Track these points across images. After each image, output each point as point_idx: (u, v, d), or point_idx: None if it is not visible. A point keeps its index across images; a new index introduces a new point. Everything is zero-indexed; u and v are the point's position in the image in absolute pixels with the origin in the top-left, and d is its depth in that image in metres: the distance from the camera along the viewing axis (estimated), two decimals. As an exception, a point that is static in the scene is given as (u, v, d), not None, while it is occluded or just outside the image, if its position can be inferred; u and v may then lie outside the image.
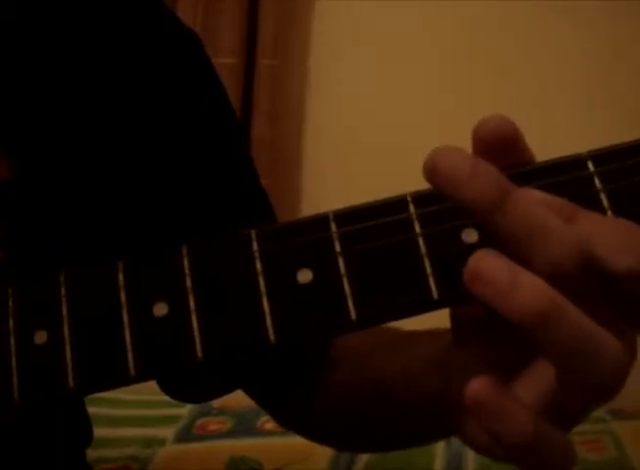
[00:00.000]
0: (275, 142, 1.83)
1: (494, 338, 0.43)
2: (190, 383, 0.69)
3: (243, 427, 1.47)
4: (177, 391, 0.70)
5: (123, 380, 0.42)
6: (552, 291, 0.36)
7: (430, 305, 0.39)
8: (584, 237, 0.37)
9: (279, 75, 1.84)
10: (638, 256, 0.37)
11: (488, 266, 0.36)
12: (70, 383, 0.43)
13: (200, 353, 0.41)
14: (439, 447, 1.37)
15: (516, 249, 0.37)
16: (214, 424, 1.49)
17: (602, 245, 0.37)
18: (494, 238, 0.38)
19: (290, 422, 0.72)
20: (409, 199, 0.40)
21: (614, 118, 1.71)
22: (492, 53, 1.86)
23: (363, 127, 1.89)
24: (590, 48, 1.83)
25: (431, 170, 0.37)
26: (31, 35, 0.61)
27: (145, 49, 0.65)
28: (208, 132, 0.67)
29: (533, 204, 0.37)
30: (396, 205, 0.40)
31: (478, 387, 0.37)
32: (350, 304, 0.40)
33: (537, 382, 0.40)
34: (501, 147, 0.40)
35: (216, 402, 1.54)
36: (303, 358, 0.65)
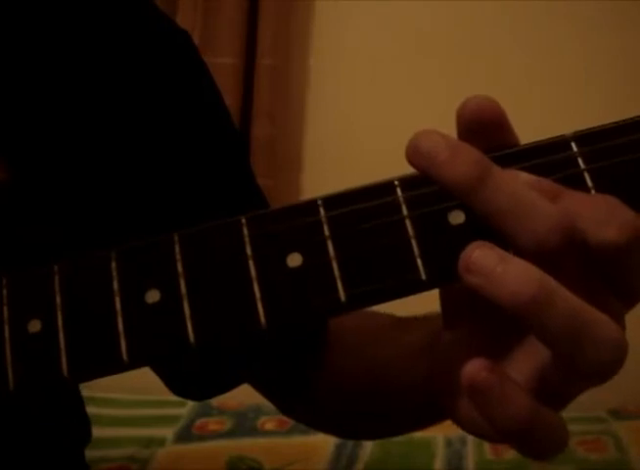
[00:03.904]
0: (275, 142, 1.83)
1: (483, 319, 0.43)
2: (194, 379, 0.69)
3: (243, 427, 1.47)
4: (182, 388, 0.71)
5: (117, 367, 0.43)
6: (542, 275, 0.36)
7: (418, 287, 0.40)
8: (568, 212, 0.37)
9: (279, 75, 1.83)
10: (620, 228, 0.37)
11: (479, 257, 0.37)
12: (65, 371, 0.43)
13: (192, 339, 0.41)
14: (439, 447, 1.37)
15: (500, 227, 0.38)
16: (214, 424, 1.50)
17: (585, 218, 0.37)
18: (479, 218, 0.38)
19: (293, 411, 0.73)
20: (396, 183, 0.41)
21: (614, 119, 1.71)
22: (493, 53, 1.87)
23: (363, 127, 1.89)
24: (590, 48, 1.84)
25: (412, 151, 0.38)
26: (27, 36, 0.62)
27: (138, 48, 0.65)
28: (201, 130, 0.68)
29: (517, 182, 0.38)
30: (384, 188, 0.41)
31: (474, 369, 0.38)
32: (340, 286, 0.40)
33: (528, 362, 0.40)
34: (484, 126, 0.40)
35: (216, 402, 1.54)
36: (300, 346, 0.66)
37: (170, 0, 1.81)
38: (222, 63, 1.76)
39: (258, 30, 1.82)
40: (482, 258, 0.37)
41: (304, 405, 0.69)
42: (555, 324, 0.36)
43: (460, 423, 0.43)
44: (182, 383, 0.70)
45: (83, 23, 0.64)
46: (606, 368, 0.38)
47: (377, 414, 0.61)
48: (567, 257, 0.37)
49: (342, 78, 1.92)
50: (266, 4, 1.82)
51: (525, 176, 0.39)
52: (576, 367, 0.38)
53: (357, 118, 1.89)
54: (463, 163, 0.37)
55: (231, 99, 1.76)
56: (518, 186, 0.37)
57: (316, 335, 0.66)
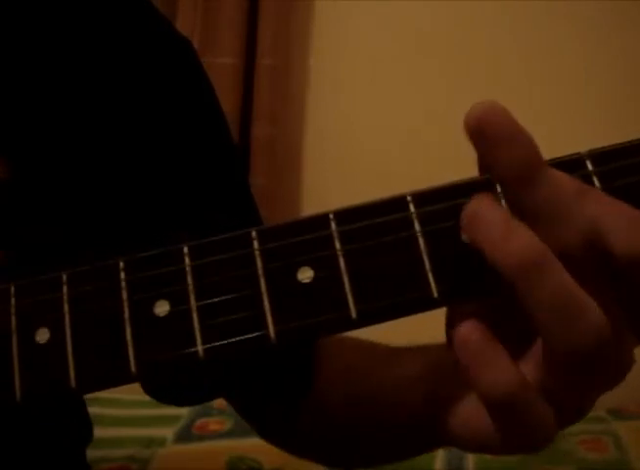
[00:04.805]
0: (275, 142, 1.83)
1: None
2: (174, 386, 0.69)
3: (242, 427, 1.46)
4: (158, 391, 0.70)
5: (125, 378, 0.43)
6: (544, 246, 0.37)
7: (429, 304, 0.40)
8: (595, 218, 0.38)
9: (279, 75, 1.83)
10: None
11: (486, 212, 0.37)
12: (72, 381, 0.43)
13: (201, 352, 0.41)
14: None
15: (532, 222, 0.38)
16: (214, 424, 1.49)
17: (612, 230, 0.38)
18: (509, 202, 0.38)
19: (274, 436, 0.72)
20: (409, 198, 0.41)
21: (616, 121, 1.71)
22: (493, 53, 1.86)
23: (363, 127, 1.89)
24: (590, 48, 1.84)
25: (476, 127, 0.37)
26: (29, 38, 0.62)
27: (138, 55, 0.65)
28: (197, 139, 0.68)
29: (561, 184, 0.38)
30: (396, 204, 0.41)
31: (467, 329, 0.38)
32: (351, 302, 0.40)
33: (531, 371, 0.40)
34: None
35: (216, 402, 1.53)
36: (289, 369, 0.66)
37: (170, 0, 1.80)
38: (222, 63, 1.76)
39: (258, 30, 1.81)
40: (489, 214, 0.37)
41: (287, 430, 0.69)
42: (543, 294, 0.37)
43: (462, 441, 0.43)
44: (158, 386, 0.70)
45: (85, 27, 0.64)
46: (590, 359, 0.38)
47: (364, 443, 0.60)
48: (583, 257, 0.38)
49: (342, 78, 1.91)
50: (266, 4, 1.81)
51: (566, 178, 0.39)
52: (562, 354, 0.38)
53: (357, 118, 1.89)
54: (521, 151, 0.38)
55: (231, 99, 1.76)
56: (561, 189, 0.38)
57: (306, 361, 0.66)
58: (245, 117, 1.81)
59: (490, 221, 0.37)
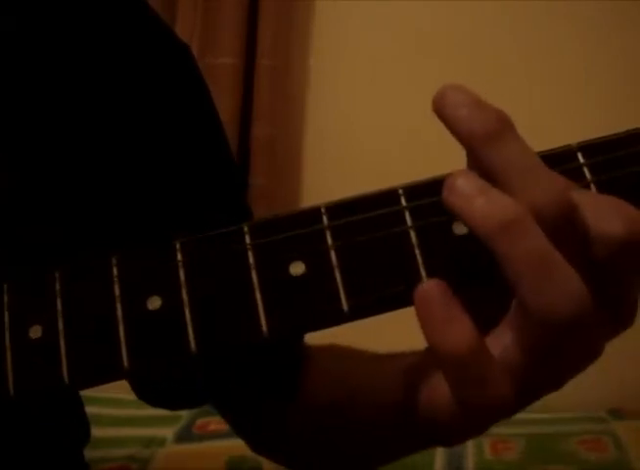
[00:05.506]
0: (275, 142, 1.83)
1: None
2: (161, 388, 0.69)
3: (243, 427, 1.47)
4: (149, 393, 0.70)
5: (117, 374, 0.43)
6: (519, 207, 0.38)
7: (421, 298, 0.40)
8: (572, 197, 0.38)
9: (279, 75, 1.83)
10: (626, 223, 0.37)
11: (462, 182, 0.39)
12: (65, 377, 0.43)
13: (193, 347, 0.41)
14: (439, 447, 1.37)
15: (502, 184, 0.39)
16: (214, 424, 1.49)
17: (591, 210, 0.38)
18: (483, 170, 0.39)
19: (266, 446, 0.72)
20: (401, 192, 0.41)
21: (616, 121, 1.71)
22: (493, 53, 1.86)
23: (363, 127, 1.89)
24: (590, 48, 1.84)
25: (439, 101, 0.43)
26: (28, 42, 0.62)
27: (138, 58, 0.66)
28: (195, 141, 0.68)
29: (527, 147, 0.39)
30: (388, 197, 0.41)
31: (429, 286, 0.39)
32: (342, 296, 0.40)
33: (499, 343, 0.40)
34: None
35: (217, 402, 1.53)
36: (276, 370, 0.66)
37: (170, 0, 1.80)
38: (222, 63, 1.76)
39: (258, 30, 1.81)
40: (465, 184, 0.39)
41: (279, 439, 0.69)
42: (518, 253, 0.37)
43: (430, 426, 0.43)
44: (148, 388, 0.70)
45: (84, 32, 0.64)
46: (565, 326, 0.37)
47: (351, 448, 0.60)
48: (559, 235, 0.38)
49: (342, 78, 1.91)
50: (266, 4, 1.81)
51: None
52: (536, 315, 0.38)
53: (357, 118, 1.89)
54: (485, 116, 0.40)
55: (231, 99, 1.76)
56: (527, 149, 0.39)
57: (292, 365, 0.66)
58: (245, 118, 1.81)
59: (465, 190, 0.38)
